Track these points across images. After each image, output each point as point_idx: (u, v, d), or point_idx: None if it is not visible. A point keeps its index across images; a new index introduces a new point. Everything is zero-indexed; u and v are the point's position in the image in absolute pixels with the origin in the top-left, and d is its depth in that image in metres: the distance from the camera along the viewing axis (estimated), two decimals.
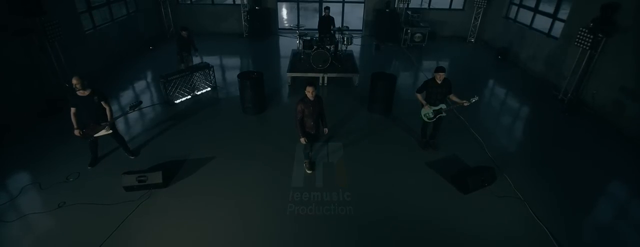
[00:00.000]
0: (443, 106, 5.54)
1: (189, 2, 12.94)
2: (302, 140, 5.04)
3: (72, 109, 4.99)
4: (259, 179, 5.31)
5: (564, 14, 8.75)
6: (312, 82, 4.87)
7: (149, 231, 4.38)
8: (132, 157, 5.75)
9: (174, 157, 5.75)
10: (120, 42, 10.19)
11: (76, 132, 5.05)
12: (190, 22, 12.43)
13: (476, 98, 5.35)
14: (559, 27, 8.77)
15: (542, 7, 9.58)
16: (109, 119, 5.18)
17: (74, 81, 4.81)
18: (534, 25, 9.83)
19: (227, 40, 12.13)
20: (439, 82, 5.36)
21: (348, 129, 6.70)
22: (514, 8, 10.87)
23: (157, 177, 4.97)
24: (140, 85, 8.61)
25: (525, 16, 10.30)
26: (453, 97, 5.52)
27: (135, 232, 4.36)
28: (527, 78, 9.38)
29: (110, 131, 5.28)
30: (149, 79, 8.95)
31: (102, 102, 5.08)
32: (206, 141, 6.22)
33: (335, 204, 4.88)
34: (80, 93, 4.92)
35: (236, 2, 12.44)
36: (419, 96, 5.65)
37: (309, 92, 4.80)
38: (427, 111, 5.60)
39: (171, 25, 12.36)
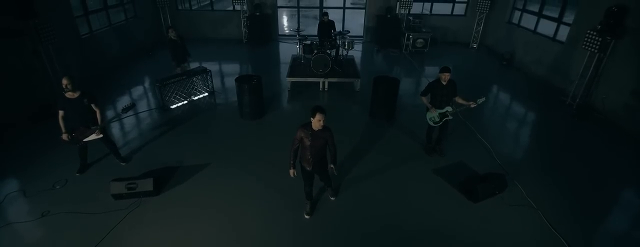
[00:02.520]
0: (449, 109, 5.29)
1: (188, 8, 12.85)
2: (291, 172, 4.21)
3: (60, 112, 4.76)
4: (255, 188, 5.03)
5: (568, 18, 8.59)
6: (323, 108, 3.76)
7: (136, 243, 4.07)
8: (123, 164, 5.49)
9: (167, 164, 5.49)
10: (118, 48, 10.03)
11: (64, 136, 4.81)
12: (190, 28, 12.33)
13: (483, 99, 5.11)
14: (564, 31, 8.59)
15: (545, 12, 9.41)
16: (99, 123, 4.94)
17: (64, 81, 4.59)
18: (538, 30, 9.65)
19: (226, 46, 11.97)
20: (444, 83, 5.12)
21: (350, 135, 6.44)
22: (517, 13, 10.72)
23: (148, 185, 4.70)
24: (135, 90, 8.39)
25: (529, 21, 10.14)
26: (459, 99, 5.27)
27: (121, 244, 4.05)
28: (533, 83, 9.15)
29: (101, 136, 5.03)
30: (146, 84, 8.74)
31: (92, 105, 4.85)
32: (202, 147, 5.96)
33: (337, 213, 4.59)
34: (69, 95, 4.69)
35: (236, 8, 12.34)
36: (424, 99, 5.40)
37: (317, 121, 3.73)
38: (432, 115, 5.34)
39: None
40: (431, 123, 5.46)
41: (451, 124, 5.62)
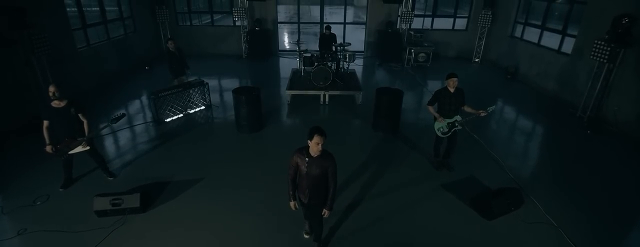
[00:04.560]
0: (458, 118, 4.99)
1: (188, 23, 12.85)
2: (291, 205, 3.53)
3: (45, 123, 4.48)
4: (250, 204, 4.65)
5: (572, 31, 8.45)
6: (323, 130, 3.06)
7: None
8: (111, 179, 5.14)
9: (158, 179, 5.14)
10: (116, 62, 9.88)
11: (47, 148, 4.49)
12: (190, 44, 12.25)
13: (493, 107, 4.84)
14: (569, 43, 8.42)
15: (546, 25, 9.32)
16: (86, 134, 4.65)
17: (51, 89, 4.34)
18: (542, 43, 9.50)
19: (225, 61, 11.85)
20: (452, 90, 4.85)
21: (353, 149, 6.12)
22: (519, 27, 10.63)
23: (134, 201, 4.34)
24: (130, 103, 8.14)
25: (531, 34, 10.03)
26: (468, 108, 4.98)
27: None
28: (540, 96, 8.90)
29: (87, 148, 4.72)
30: (141, 97, 8.51)
31: (80, 115, 4.58)
32: (195, 161, 5.63)
33: (339, 232, 4.20)
34: (55, 104, 4.42)
35: (236, 24, 12.32)
36: (431, 108, 5.11)
37: (315, 144, 3.04)
38: (441, 125, 5.04)
39: None
40: (439, 134, 5.15)
41: (459, 136, 5.31)
